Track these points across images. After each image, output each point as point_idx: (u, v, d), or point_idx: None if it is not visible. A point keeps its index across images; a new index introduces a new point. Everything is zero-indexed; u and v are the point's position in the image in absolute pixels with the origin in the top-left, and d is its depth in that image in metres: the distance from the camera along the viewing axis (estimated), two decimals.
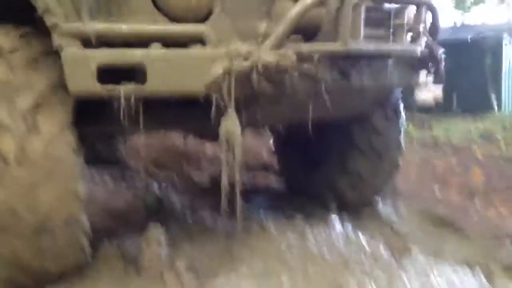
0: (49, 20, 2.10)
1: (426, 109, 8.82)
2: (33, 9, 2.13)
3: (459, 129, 7.86)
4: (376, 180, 3.69)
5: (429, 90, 8.50)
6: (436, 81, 2.95)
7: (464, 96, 8.88)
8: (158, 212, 3.79)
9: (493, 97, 9.24)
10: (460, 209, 4.14)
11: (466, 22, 13.06)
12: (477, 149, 6.58)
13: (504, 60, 9.66)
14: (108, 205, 3.99)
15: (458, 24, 11.85)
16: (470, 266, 2.95)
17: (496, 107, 9.20)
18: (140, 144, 6.12)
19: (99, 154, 5.25)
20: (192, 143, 5.91)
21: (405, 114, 6.58)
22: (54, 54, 2.19)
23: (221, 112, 2.28)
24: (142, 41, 2.16)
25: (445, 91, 8.23)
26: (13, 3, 2.31)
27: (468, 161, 5.98)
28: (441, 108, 8.87)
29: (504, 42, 9.66)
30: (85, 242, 2.49)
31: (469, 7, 13.94)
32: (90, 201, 3.88)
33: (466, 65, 8.98)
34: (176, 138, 6.05)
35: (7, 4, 2.36)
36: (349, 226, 3.47)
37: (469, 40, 9.82)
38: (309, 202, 3.89)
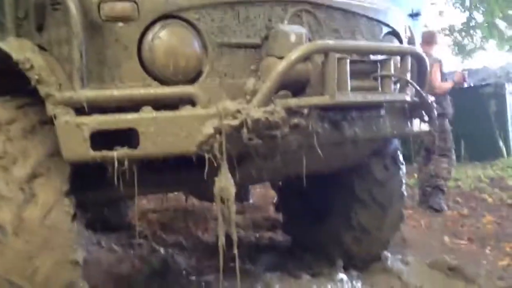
0: (42, 90, 2.15)
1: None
2: (27, 80, 2.20)
3: (468, 176, 7.80)
4: (382, 233, 3.62)
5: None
6: (431, 128, 2.96)
7: (471, 144, 8.84)
8: (163, 274, 3.74)
9: (501, 143, 9.20)
10: (471, 258, 4.05)
11: (467, 67, 13.20)
12: (488, 196, 6.50)
13: (509, 107, 9.69)
14: (113, 270, 3.95)
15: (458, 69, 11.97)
16: None
17: (505, 153, 9.15)
18: (148, 207, 6.14)
19: (107, 220, 5.25)
20: (198, 203, 5.91)
21: (413, 164, 6.64)
22: (50, 123, 2.23)
23: (215, 171, 2.29)
24: (134, 106, 2.21)
25: (452, 139, 8.21)
26: (8, 74, 2.39)
27: (479, 208, 5.91)
28: None
29: (508, 89, 9.72)
30: None
31: (469, 54, 14.11)
32: (95, 266, 3.90)
33: (471, 111, 9.00)
34: (182, 200, 6.07)
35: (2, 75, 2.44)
36: (357, 282, 3.39)
37: (472, 87, 9.89)
38: (316, 259, 3.82)
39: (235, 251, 2.34)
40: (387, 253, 3.82)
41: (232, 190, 2.27)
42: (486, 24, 13.69)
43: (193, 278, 3.63)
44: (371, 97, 2.52)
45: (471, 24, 14.49)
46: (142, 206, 6.08)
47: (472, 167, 8.68)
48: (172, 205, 6.21)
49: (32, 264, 2.22)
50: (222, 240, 2.34)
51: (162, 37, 2.25)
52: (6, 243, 2.19)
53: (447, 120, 6.25)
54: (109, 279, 3.73)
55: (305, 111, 2.37)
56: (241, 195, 5.88)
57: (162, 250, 4.36)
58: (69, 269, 2.32)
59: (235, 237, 2.33)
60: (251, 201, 6.40)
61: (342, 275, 3.43)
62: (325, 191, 3.74)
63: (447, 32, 15.14)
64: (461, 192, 7.06)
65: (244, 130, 2.20)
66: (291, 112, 2.31)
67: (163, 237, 5.00)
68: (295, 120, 2.34)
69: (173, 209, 6.11)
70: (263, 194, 7.00)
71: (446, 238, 4.67)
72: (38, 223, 2.22)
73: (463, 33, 14.94)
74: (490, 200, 6.41)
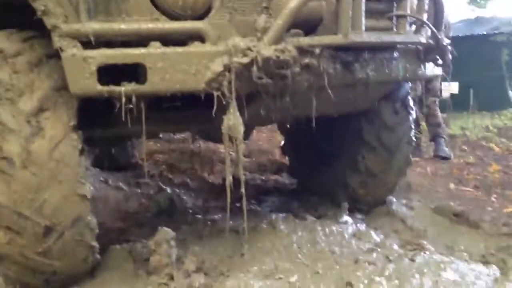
0: (48, 22, 2.11)
1: (442, 106, 8.70)
2: (33, 11, 2.14)
3: (476, 126, 7.76)
4: (388, 177, 3.62)
5: (444, 87, 8.40)
6: (444, 72, 2.90)
7: (481, 93, 8.75)
8: (170, 212, 3.80)
9: (510, 93, 9.10)
10: (476, 204, 4.08)
11: (480, 15, 12.88)
12: (495, 145, 6.48)
13: None
14: (120, 207, 4.01)
15: (472, 18, 11.72)
16: (485, 262, 2.89)
17: None
18: (155, 148, 6.18)
19: (115, 159, 5.29)
20: (205, 145, 5.94)
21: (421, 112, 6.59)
22: (56, 56, 2.20)
23: (223, 109, 2.27)
24: (141, 40, 2.16)
25: (461, 87, 8.10)
26: (14, 5, 2.33)
27: (485, 157, 5.90)
28: (457, 105, 8.73)
29: None
30: (93, 242, 2.50)
31: (484, 3, 13.74)
32: (102, 204, 3.95)
33: (482, 61, 8.86)
34: (189, 142, 6.09)
35: (9, 7, 2.39)
36: (361, 225, 3.42)
37: (484, 35, 9.69)
38: (321, 201, 3.86)
39: (243, 189, 2.35)
40: (392, 198, 3.84)
41: (241, 128, 2.26)
42: None
43: (200, 216, 3.67)
44: (386, 38, 2.45)
45: None
46: (149, 147, 6.12)
47: (480, 116, 8.63)
48: (179, 147, 6.24)
49: (40, 197, 2.24)
50: (229, 179, 2.35)
51: None
52: (14, 175, 2.21)
53: None
54: (117, 216, 3.79)
55: (317, 50, 2.31)
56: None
57: (168, 190, 4.40)
58: (77, 203, 2.35)
59: (242, 176, 2.34)
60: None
61: (346, 217, 3.46)
62: (333, 134, 3.73)
63: None
64: (468, 141, 7.04)
65: (254, 68, 2.17)
66: (303, 51, 2.26)
67: (169, 177, 5.05)
68: (306, 60, 2.29)
69: (180, 151, 6.15)
70: (269, 138, 7.01)
71: (452, 185, 4.69)
72: (46, 156, 2.24)
73: None
74: (497, 149, 6.40)
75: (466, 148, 6.50)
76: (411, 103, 3.53)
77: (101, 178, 4.78)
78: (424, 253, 2.90)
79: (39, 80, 2.29)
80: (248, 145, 6.04)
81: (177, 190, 4.44)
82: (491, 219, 3.60)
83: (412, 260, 2.80)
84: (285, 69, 2.22)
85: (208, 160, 5.74)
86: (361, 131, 3.47)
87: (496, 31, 10.71)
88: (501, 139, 6.90)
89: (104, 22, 2.15)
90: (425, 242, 3.10)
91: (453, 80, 8.22)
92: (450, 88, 8.40)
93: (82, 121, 2.40)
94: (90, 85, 2.11)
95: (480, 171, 5.32)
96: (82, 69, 2.09)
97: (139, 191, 4.55)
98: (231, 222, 3.09)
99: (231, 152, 2.44)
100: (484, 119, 8.32)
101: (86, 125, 2.47)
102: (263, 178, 4.94)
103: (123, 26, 2.14)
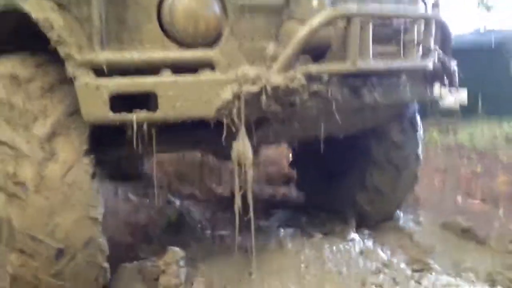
0: (62, 51, 2.15)
1: (450, 114, 8.66)
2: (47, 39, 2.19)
3: (484, 133, 7.72)
4: (395, 194, 3.65)
5: (453, 95, 8.36)
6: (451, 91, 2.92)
7: (489, 100, 8.71)
8: (178, 226, 3.82)
9: None
10: (484, 218, 4.06)
11: (489, 27, 12.84)
12: (503, 154, 6.45)
13: None
14: (129, 219, 4.04)
15: (481, 29, 11.69)
16: (491, 281, 2.91)
17: None
18: (164, 159, 6.20)
19: (124, 171, 5.33)
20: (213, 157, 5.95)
21: (429, 120, 6.55)
22: (69, 81, 2.24)
23: (233, 134, 2.30)
24: (153, 68, 2.20)
25: (469, 95, 8.07)
26: (29, 32, 2.37)
27: (493, 167, 5.87)
28: (466, 113, 8.70)
29: None
30: (104, 263, 2.53)
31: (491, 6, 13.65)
32: (111, 216, 3.98)
33: (491, 70, 8.85)
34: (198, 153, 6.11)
35: (23, 32, 2.43)
36: (368, 241, 3.44)
37: (493, 46, 9.66)
38: (329, 218, 3.87)
39: (251, 214, 2.38)
40: (399, 213, 3.86)
41: (250, 155, 2.30)
42: None
43: (208, 232, 3.71)
44: (393, 64, 2.47)
45: None
46: (158, 157, 6.12)
47: (488, 123, 8.58)
48: (189, 159, 6.26)
49: (52, 220, 2.28)
50: (238, 203, 2.38)
51: None
52: (27, 200, 2.25)
53: None
54: (126, 230, 3.82)
55: (325, 77, 2.34)
56: None
57: (177, 202, 4.43)
58: (89, 226, 2.38)
59: (251, 202, 2.37)
60: None
61: (353, 235, 3.48)
62: (341, 151, 3.74)
63: None
64: (476, 149, 7.00)
65: (263, 96, 2.20)
66: (311, 78, 2.29)
67: (178, 188, 5.08)
68: (315, 87, 2.32)
69: (189, 160, 6.16)
70: (277, 148, 7.01)
71: (459, 198, 4.68)
72: (59, 180, 2.27)
73: None
74: (505, 158, 6.36)
75: (474, 157, 6.47)
76: (418, 120, 3.55)
77: (110, 190, 4.82)
78: (431, 273, 2.92)
79: (52, 106, 2.32)
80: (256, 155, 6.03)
81: (186, 202, 4.47)
82: (498, 236, 3.60)
83: (419, 282, 2.81)
84: (294, 96, 2.26)
85: (217, 171, 5.75)
86: (370, 149, 3.50)
87: (505, 44, 10.65)
88: (509, 147, 6.87)
89: (117, 51, 2.18)
90: (431, 262, 3.12)
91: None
92: (458, 95, 8.38)
93: (93, 144, 2.44)
94: (102, 113, 2.14)
95: (488, 181, 5.29)
96: (95, 98, 2.12)
97: (148, 202, 4.58)
98: (240, 238, 3.12)
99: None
100: (493, 127, 8.27)
101: (98, 147, 2.51)
102: (271, 191, 4.96)
103: (135, 55, 2.17)
